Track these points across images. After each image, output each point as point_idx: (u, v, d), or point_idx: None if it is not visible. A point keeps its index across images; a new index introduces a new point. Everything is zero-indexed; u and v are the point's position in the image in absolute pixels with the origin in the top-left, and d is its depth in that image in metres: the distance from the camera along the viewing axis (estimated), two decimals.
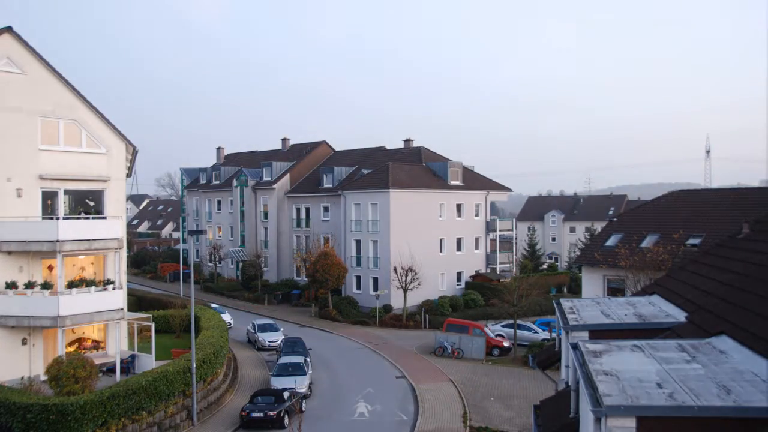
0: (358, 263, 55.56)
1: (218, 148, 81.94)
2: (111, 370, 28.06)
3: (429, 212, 55.58)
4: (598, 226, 75.39)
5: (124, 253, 30.56)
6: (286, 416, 26.61)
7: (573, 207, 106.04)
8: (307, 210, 62.64)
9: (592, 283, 32.20)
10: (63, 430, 21.55)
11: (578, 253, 72.69)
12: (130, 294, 36.10)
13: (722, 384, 6.26)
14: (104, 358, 29.40)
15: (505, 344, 40.59)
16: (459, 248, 58.24)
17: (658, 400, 5.90)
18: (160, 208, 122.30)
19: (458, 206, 58.33)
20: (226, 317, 44.99)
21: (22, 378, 26.13)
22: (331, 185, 60.50)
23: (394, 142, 72.89)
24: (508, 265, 62.95)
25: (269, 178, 66.00)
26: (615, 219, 37.84)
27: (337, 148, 71.43)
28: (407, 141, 64.99)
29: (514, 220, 70.62)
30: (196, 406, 26.87)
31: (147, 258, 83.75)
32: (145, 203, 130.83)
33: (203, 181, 76.46)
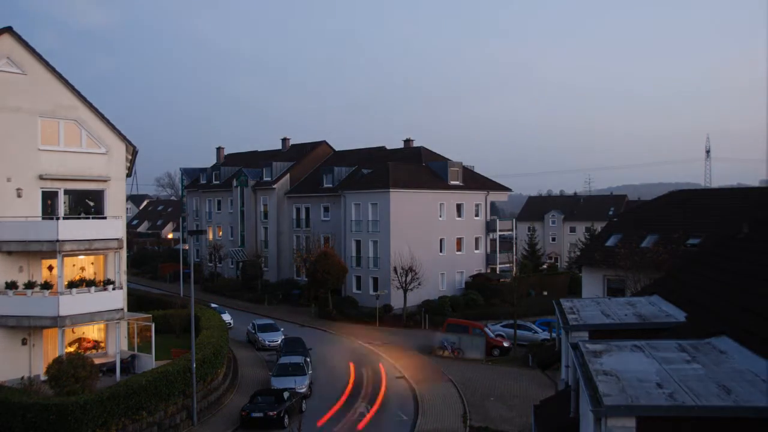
0: (358, 263, 55.54)
1: (218, 148, 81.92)
2: (111, 370, 28.04)
3: (429, 212, 55.56)
4: (598, 226, 75.35)
5: (124, 253, 30.55)
6: (286, 416, 26.61)
7: (573, 207, 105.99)
8: (307, 210, 62.62)
9: (592, 283, 32.17)
10: (63, 430, 21.54)
11: (578, 253, 72.74)
12: (130, 294, 36.02)
13: (722, 384, 6.26)
14: (104, 358, 29.39)
15: (505, 344, 40.58)
16: (459, 248, 58.23)
17: (658, 400, 5.90)
18: (160, 208, 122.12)
19: (458, 206, 58.32)
20: (226, 317, 44.97)
21: (22, 378, 26.11)
22: (331, 185, 60.47)
23: (394, 142, 72.88)
24: (508, 265, 62.94)
25: (269, 178, 65.99)
26: (615, 219, 37.84)
27: (337, 148, 71.43)
28: (407, 141, 64.96)
29: (514, 220, 70.58)
30: (196, 406, 26.86)
31: (147, 258, 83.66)
32: (145, 203, 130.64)
33: (203, 181, 76.44)
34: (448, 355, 39.34)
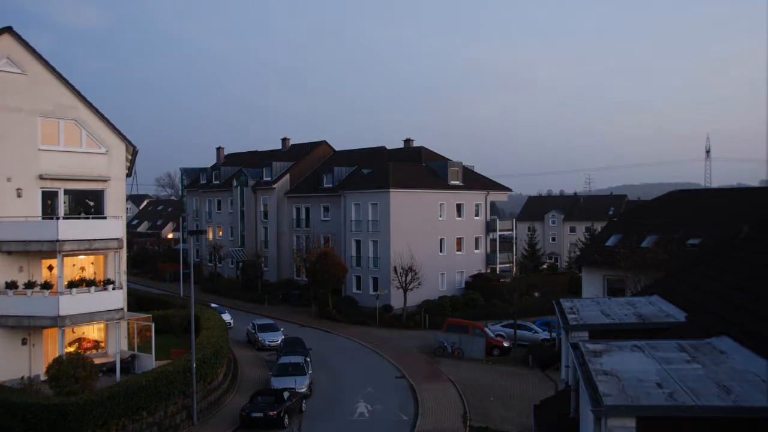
0: (358, 263, 55.53)
1: (218, 148, 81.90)
2: (111, 370, 28.04)
3: (429, 212, 55.55)
4: (598, 226, 75.39)
5: (124, 253, 30.54)
6: (286, 416, 26.60)
7: (573, 207, 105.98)
8: (307, 210, 62.61)
9: (592, 283, 32.19)
10: (63, 430, 21.53)
11: (578, 253, 72.72)
12: (130, 294, 36.00)
13: (722, 384, 6.25)
14: (104, 358, 29.39)
15: (505, 344, 40.56)
16: (459, 248, 58.22)
17: (657, 400, 5.89)
18: (160, 208, 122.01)
19: (458, 206, 58.31)
20: (226, 317, 44.95)
21: (22, 378, 26.12)
22: (331, 185, 60.47)
23: (394, 142, 72.92)
24: (508, 265, 62.94)
25: (269, 178, 65.98)
26: (615, 219, 37.85)
27: (337, 148, 71.43)
28: (407, 141, 64.96)
29: (514, 220, 70.59)
30: (196, 406, 26.86)
31: (147, 258, 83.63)
32: (145, 203, 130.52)
33: (203, 181, 76.42)
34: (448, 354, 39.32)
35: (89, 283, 27.90)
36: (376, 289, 52.66)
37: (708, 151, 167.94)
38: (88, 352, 28.72)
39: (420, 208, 54.71)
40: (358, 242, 55.85)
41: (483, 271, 59.83)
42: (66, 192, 29.12)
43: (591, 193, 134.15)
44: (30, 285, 26.87)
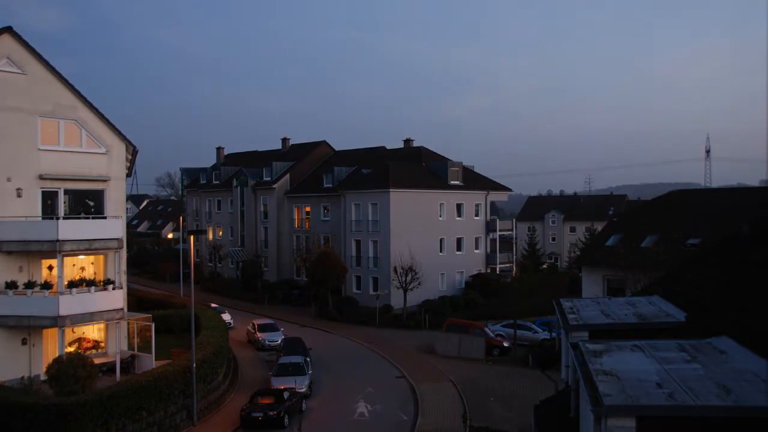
0: (358, 263, 55.52)
1: (218, 148, 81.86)
2: (111, 370, 28.04)
3: (429, 212, 55.55)
4: (598, 226, 75.34)
5: (124, 252, 30.54)
6: (286, 416, 26.60)
7: (573, 207, 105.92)
8: (307, 210, 62.62)
9: (592, 283, 32.20)
10: (63, 430, 21.53)
11: (578, 253, 72.72)
12: (130, 294, 35.98)
13: (722, 384, 6.26)
14: (104, 358, 29.38)
15: (505, 344, 40.56)
16: (459, 248, 58.22)
17: (657, 400, 5.90)
18: (160, 208, 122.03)
19: (458, 206, 58.31)
20: (226, 317, 44.95)
21: (22, 378, 26.12)
22: (331, 185, 60.45)
23: (394, 142, 72.92)
24: (508, 265, 62.95)
25: (269, 178, 65.97)
26: (615, 219, 37.85)
27: (337, 148, 71.42)
28: (407, 141, 64.95)
29: (514, 220, 70.58)
30: (196, 405, 26.86)
31: (147, 258, 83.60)
32: (145, 203, 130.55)
33: (203, 181, 76.41)
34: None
35: (89, 283, 27.90)
36: (376, 289, 52.65)
37: (708, 151, 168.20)
38: (88, 352, 28.71)
39: (420, 208, 54.71)
40: (358, 242, 55.85)
41: (483, 271, 59.83)
42: (66, 192, 29.11)
43: (591, 193, 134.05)
44: (30, 285, 26.87)
